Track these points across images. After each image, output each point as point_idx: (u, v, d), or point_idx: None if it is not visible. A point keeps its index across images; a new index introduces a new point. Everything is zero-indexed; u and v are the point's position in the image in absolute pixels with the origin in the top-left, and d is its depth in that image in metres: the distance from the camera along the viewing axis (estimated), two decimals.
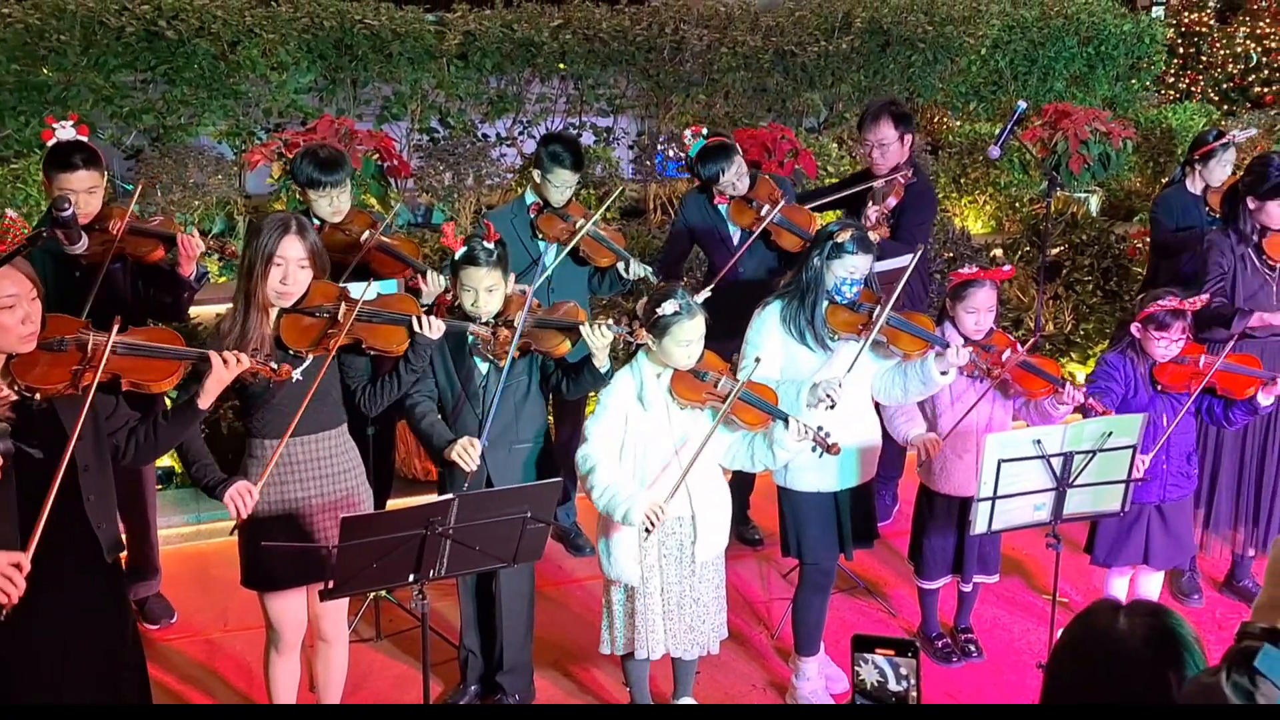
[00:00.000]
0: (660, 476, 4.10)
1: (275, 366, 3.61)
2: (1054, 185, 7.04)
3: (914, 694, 2.16)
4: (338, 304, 3.88)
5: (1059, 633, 2.13)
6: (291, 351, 3.82)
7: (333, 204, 4.83)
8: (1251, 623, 1.72)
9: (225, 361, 3.51)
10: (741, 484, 5.85)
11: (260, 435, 3.87)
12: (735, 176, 5.39)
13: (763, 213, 5.36)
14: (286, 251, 3.76)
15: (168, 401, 4.32)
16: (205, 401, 3.55)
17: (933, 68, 10.17)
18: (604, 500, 4.03)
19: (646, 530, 3.98)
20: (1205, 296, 4.75)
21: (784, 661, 4.92)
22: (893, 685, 2.19)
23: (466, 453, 4.03)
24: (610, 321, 4.16)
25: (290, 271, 3.77)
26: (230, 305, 3.90)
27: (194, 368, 3.58)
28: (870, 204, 5.59)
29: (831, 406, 4.20)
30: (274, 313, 3.85)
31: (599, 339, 4.08)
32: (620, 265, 5.19)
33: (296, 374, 3.72)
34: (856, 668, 2.18)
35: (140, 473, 4.98)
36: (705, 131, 5.52)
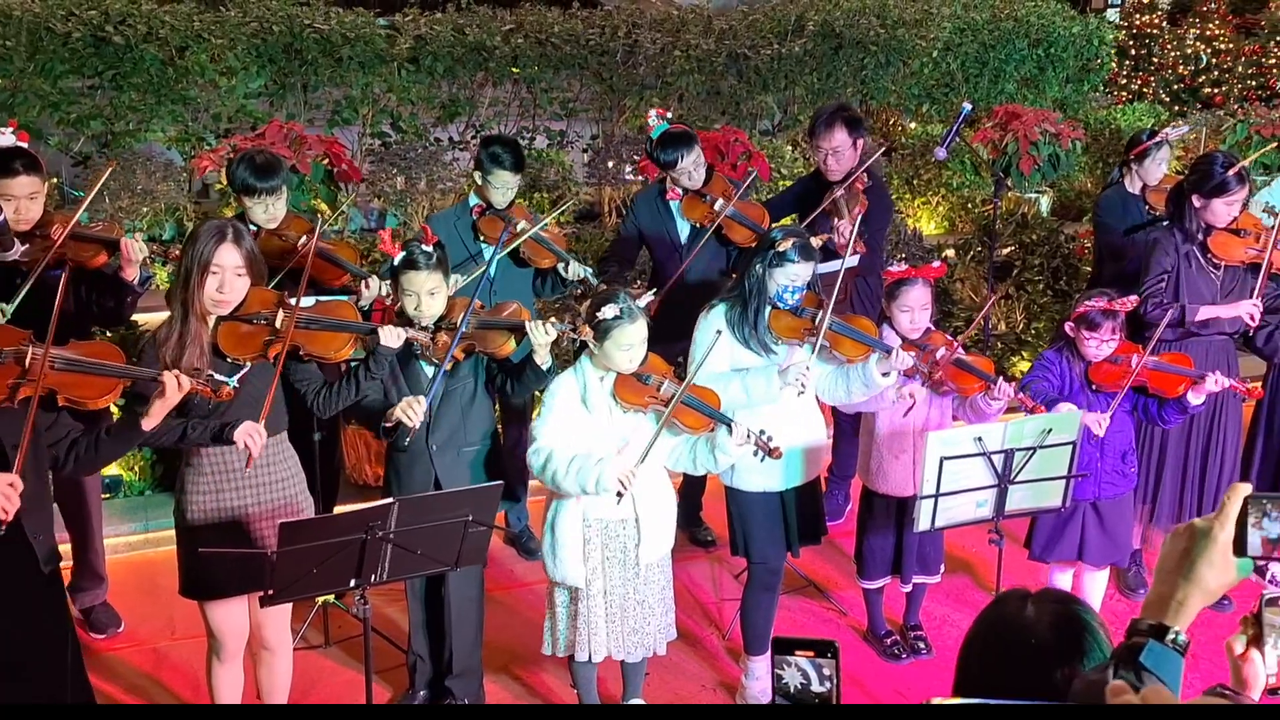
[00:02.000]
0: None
1: (216, 385, 3.57)
2: (1002, 187, 7.11)
3: (836, 694, 2.17)
4: (276, 311, 3.86)
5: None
6: (230, 360, 3.80)
7: (268, 210, 4.79)
8: (1140, 619, 1.75)
9: (169, 385, 3.47)
10: (693, 486, 5.87)
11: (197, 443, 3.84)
12: (693, 165, 5.41)
13: (716, 206, 5.39)
14: (223, 259, 3.74)
15: (116, 411, 4.29)
16: (149, 423, 3.52)
17: (885, 70, 10.25)
18: (572, 478, 3.99)
19: (619, 495, 3.97)
20: (1135, 298, 4.80)
21: (734, 662, 4.94)
22: (816, 686, 2.19)
23: (410, 409, 4.00)
24: (554, 319, 4.17)
25: (227, 279, 3.75)
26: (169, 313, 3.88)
27: (135, 384, 3.55)
28: (836, 218, 5.59)
29: (802, 390, 4.26)
30: (212, 320, 3.82)
31: (542, 336, 4.09)
32: (560, 266, 5.19)
33: (233, 382, 3.70)
34: (778, 671, 2.17)
35: (84, 482, 4.93)
36: (670, 115, 5.54)
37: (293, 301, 3.88)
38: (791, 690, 2.15)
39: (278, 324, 3.83)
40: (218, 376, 3.59)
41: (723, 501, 4.72)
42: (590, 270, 5.29)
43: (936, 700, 1.44)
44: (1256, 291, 5.08)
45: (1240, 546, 1.75)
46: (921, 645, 5.03)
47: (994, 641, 2.02)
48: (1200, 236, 5.17)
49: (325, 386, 4.03)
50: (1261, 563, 1.76)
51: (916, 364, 4.53)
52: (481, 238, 5.24)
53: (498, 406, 5.44)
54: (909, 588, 4.99)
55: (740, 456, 4.13)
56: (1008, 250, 8.34)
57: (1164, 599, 1.75)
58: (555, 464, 4.02)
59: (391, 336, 3.99)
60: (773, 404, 4.32)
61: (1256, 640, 1.97)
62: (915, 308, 4.66)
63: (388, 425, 4.07)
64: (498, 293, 5.09)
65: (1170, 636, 1.71)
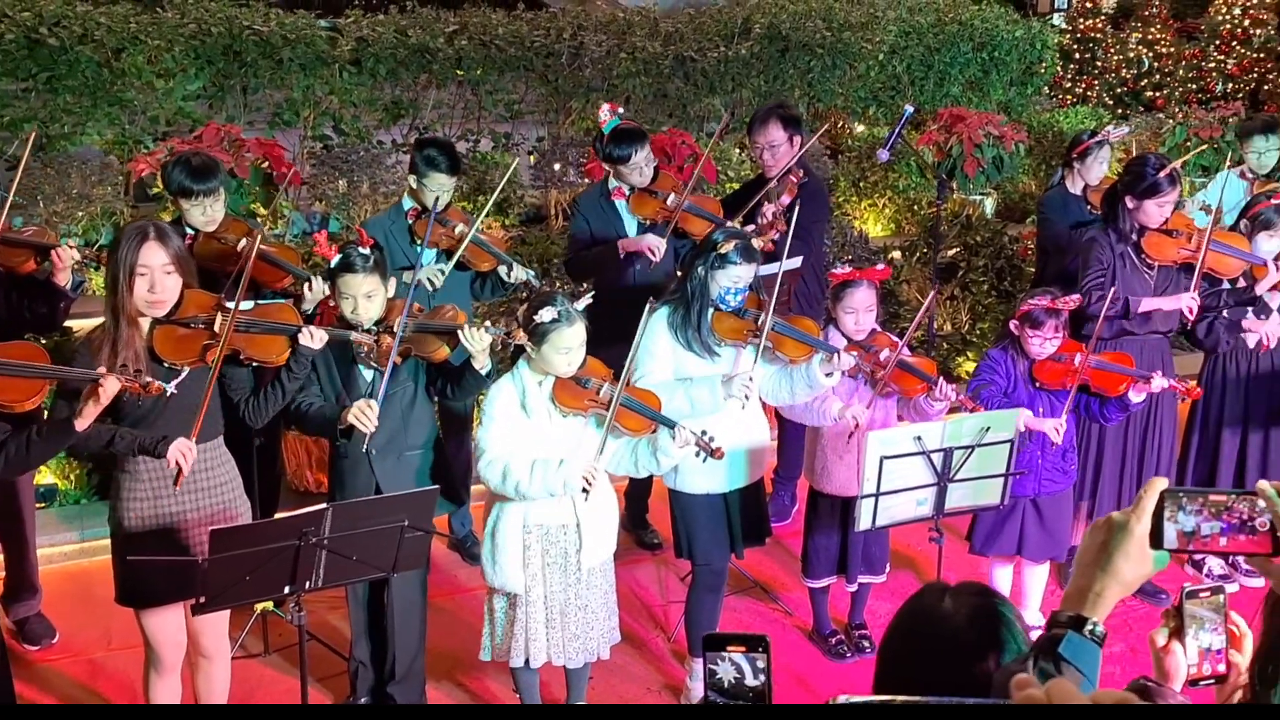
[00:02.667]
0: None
1: (145, 382, 3.52)
2: (945, 189, 7.15)
3: (769, 688, 2.17)
4: (213, 314, 3.80)
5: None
6: (167, 364, 3.74)
7: (206, 213, 4.74)
8: (1060, 611, 1.76)
9: (101, 385, 3.44)
10: (639, 488, 5.85)
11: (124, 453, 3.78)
12: (644, 161, 5.39)
13: (670, 202, 5.37)
14: (149, 259, 3.68)
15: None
16: (82, 424, 3.48)
17: (832, 73, 10.28)
18: (538, 484, 3.96)
19: (585, 491, 3.96)
20: (1079, 296, 4.85)
21: (679, 664, 4.93)
22: (750, 680, 2.19)
23: (364, 413, 3.96)
24: (489, 324, 4.14)
25: (157, 279, 3.69)
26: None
27: (64, 385, 3.50)
28: (766, 203, 5.62)
29: (746, 400, 4.25)
30: (146, 324, 3.76)
31: (477, 341, 4.05)
32: (502, 269, 5.15)
33: (170, 387, 3.64)
34: (711, 667, 2.17)
35: (17, 491, 4.85)
36: (621, 110, 5.53)
37: (230, 304, 3.83)
38: (726, 685, 2.15)
39: (216, 327, 3.78)
40: (146, 376, 3.54)
41: (668, 504, 4.71)
42: (533, 273, 5.25)
43: (842, 699, 1.42)
44: (1193, 287, 5.14)
45: (1157, 539, 1.76)
46: (866, 644, 5.04)
47: (912, 634, 2.03)
48: (1134, 237, 5.23)
49: (253, 394, 3.98)
50: (1199, 556, 1.78)
51: (859, 364, 4.55)
52: (418, 241, 5.19)
53: (437, 412, 5.41)
54: (854, 587, 5.01)
55: (682, 458, 4.12)
56: (953, 251, 8.39)
57: (1082, 591, 1.76)
58: (516, 474, 3.99)
59: (311, 338, 3.95)
60: (716, 414, 4.31)
61: (1178, 633, 1.99)
62: (860, 309, 4.67)
63: (342, 429, 4.03)
64: (437, 296, 5.05)
65: (1088, 628, 1.72)
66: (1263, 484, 1.72)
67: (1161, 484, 1.77)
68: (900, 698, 1.35)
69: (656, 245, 5.25)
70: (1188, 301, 5.10)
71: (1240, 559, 4.93)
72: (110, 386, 3.45)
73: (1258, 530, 1.73)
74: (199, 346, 3.77)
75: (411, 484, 4.20)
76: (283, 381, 3.98)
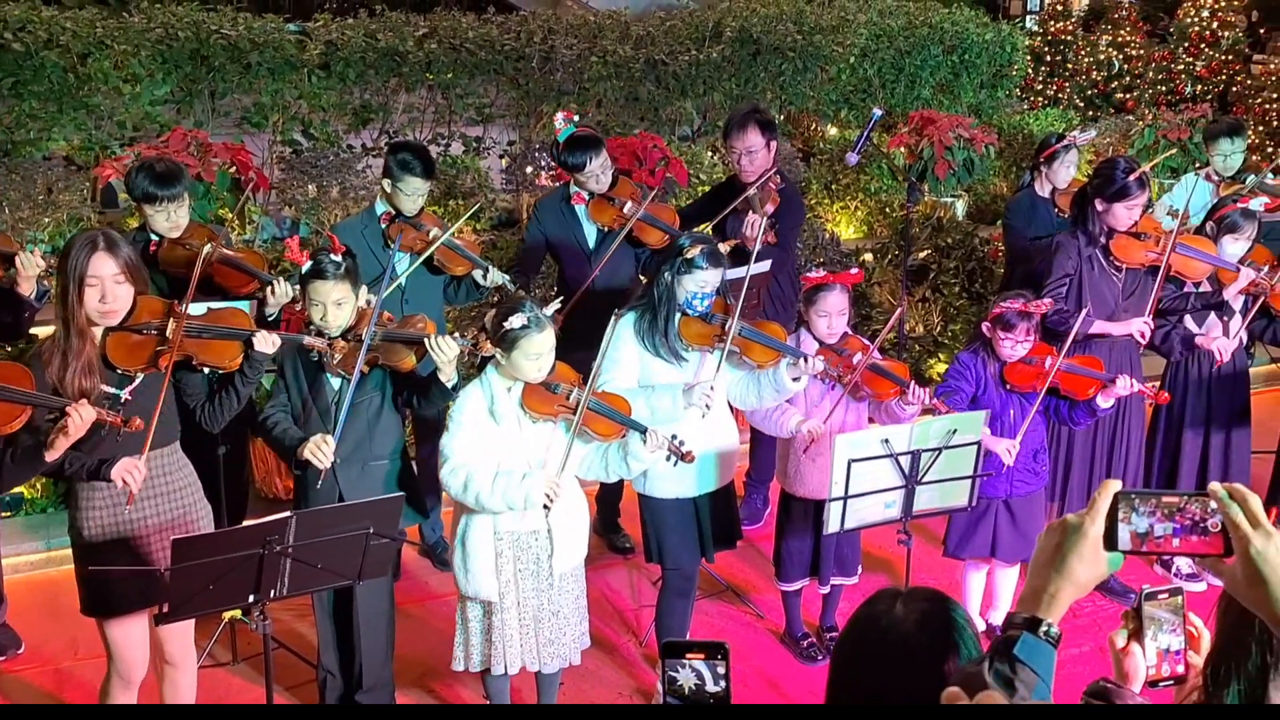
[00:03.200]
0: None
1: (126, 418, 3.51)
2: (915, 191, 7.17)
3: (729, 694, 2.18)
4: (165, 320, 3.77)
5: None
6: (120, 371, 3.71)
7: (170, 219, 4.70)
8: (1015, 613, 1.76)
9: (73, 419, 3.42)
10: (611, 493, 5.84)
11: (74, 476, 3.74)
12: (600, 168, 5.39)
13: (626, 209, 5.37)
14: (99, 270, 3.64)
15: None
16: (52, 455, 3.49)
17: (803, 76, 10.31)
18: (498, 496, 3.94)
19: (546, 507, 3.94)
20: (1050, 300, 4.87)
21: (651, 669, 4.92)
22: (710, 687, 2.20)
23: (320, 450, 3.94)
24: (456, 334, 4.11)
25: (108, 289, 3.66)
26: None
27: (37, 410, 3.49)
28: (750, 212, 5.61)
29: (707, 409, 4.24)
30: (98, 333, 3.73)
31: (444, 353, 4.02)
32: (478, 273, 5.13)
33: (125, 393, 3.60)
34: (671, 674, 2.17)
35: None
36: (577, 119, 5.52)
37: (183, 309, 3.80)
38: (686, 692, 2.15)
39: (168, 333, 3.74)
40: (112, 391, 3.51)
41: (639, 508, 4.70)
42: (508, 278, 5.23)
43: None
44: (1155, 289, 5.17)
45: (1110, 541, 1.77)
46: None
47: (863, 640, 2.03)
48: (1103, 240, 5.25)
49: (208, 399, 3.96)
50: (1168, 556, 1.78)
51: (827, 368, 4.54)
52: (391, 245, 5.17)
53: (409, 419, 5.38)
54: (827, 589, 5.01)
55: (653, 462, 4.11)
56: (924, 254, 8.42)
57: (1037, 593, 1.77)
58: (478, 485, 3.96)
59: (266, 342, 3.92)
60: (678, 422, 4.29)
61: (1137, 634, 1.99)
62: (833, 313, 4.68)
63: (299, 460, 4.01)
64: (409, 301, 5.03)
65: (1043, 629, 1.72)
66: (1214, 486, 1.73)
67: (1115, 486, 1.77)
68: None
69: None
70: (1139, 326, 5.13)
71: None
72: (86, 416, 3.43)
73: (1210, 531, 1.73)
74: (151, 352, 3.75)
75: (377, 494, 4.15)
76: (236, 386, 3.96)
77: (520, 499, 3.92)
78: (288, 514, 3.38)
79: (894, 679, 1.95)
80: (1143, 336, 5.16)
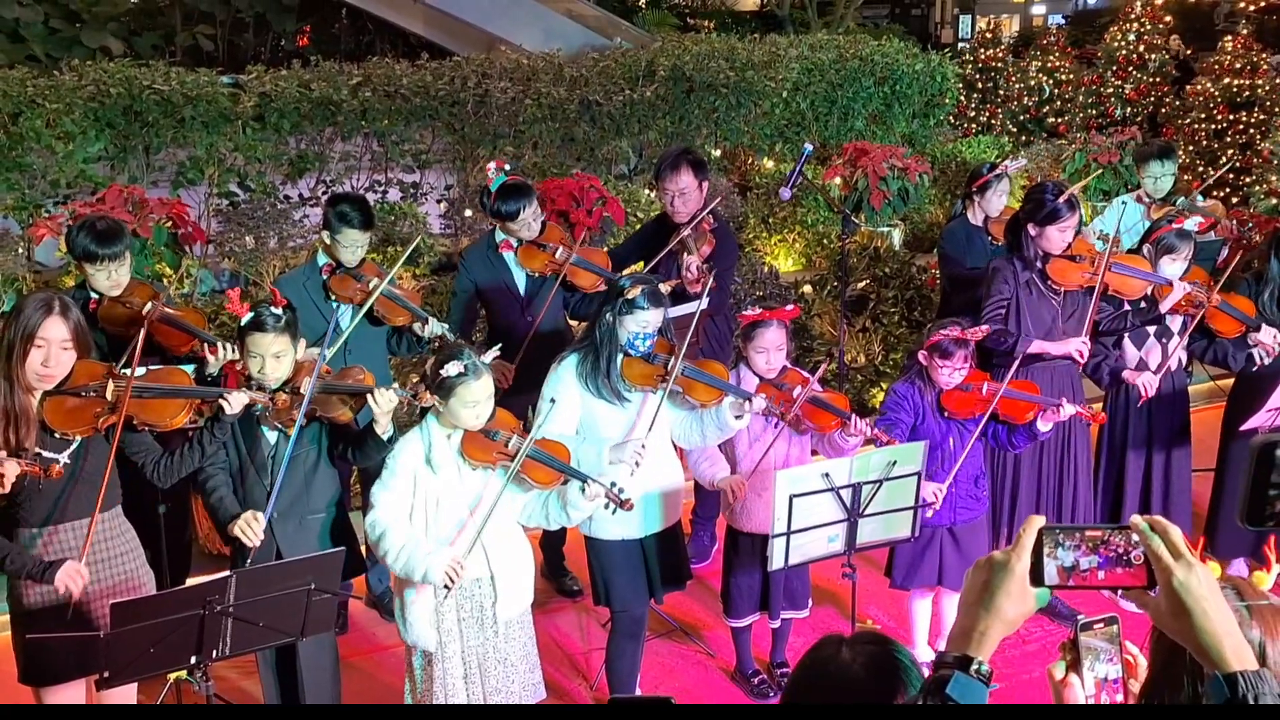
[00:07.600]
0: (456, 538, 4.04)
1: (45, 464, 3.47)
2: (849, 223, 7.24)
3: None
4: (105, 382, 3.74)
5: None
6: (58, 435, 3.67)
7: (111, 277, 4.67)
8: (946, 652, 1.78)
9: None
10: (554, 536, 5.82)
11: (26, 524, 3.70)
12: (532, 216, 5.41)
13: (558, 255, 5.39)
14: (49, 333, 3.62)
15: None
16: None
17: (737, 111, 10.42)
18: (400, 563, 3.94)
19: (446, 588, 3.92)
20: (986, 327, 4.93)
21: None
22: None
23: (249, 527, 3.92)
24: (397, 385, 4.10)
25: (52, 353, 3.63)
26: None
27: None
28: (686, 255, 5.64)
29: (636, 468, 4.24)
30: (38, 394, 3.69)
31: (381, 405, 4.02)
32: (416, 325, 5.12)
33: (64, 458, 3.57)
34: None
35: None
36: (508, 168, 5.54)
37: (125, 372, 3.77)
38: None
39: (109, 395, 3.71)
40: (46, 454, 3.47)
41: (585, 550, 4.69)
42: (447, 327, 5.22)
43: None
44: (1091, 310, 5.25)
45: (1037, 576, 1.79)
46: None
47: (813, 689, 2.04)
48: (1039, 264, 5.32)
49: (166, 455, 3.92)
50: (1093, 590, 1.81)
51: (769, 406, 4.57)
52: (333, 297, 5.15)
53: (355, 469, 5.34)
54: (777, 623, 5.01)
55: (591, 510, 4.11)
56: (862, 284, 8.51)
57: (967, 631, 1.78)
58: (387, 544, 3.95)
59: (234, 404, 3.90)
60: (602, 475, 4.29)
61: (1075, 665, 2.01)
62: (771, 349, 4.71)
63: (230, 536, 3.99)
64: (352, 352, 5.01)
65: (974, 667, 1.74)
66: (1135, 518, 1.76)
67: (1039, 521, 1.80)
68: None
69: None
70: (1076, 346, 5.21)
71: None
72: (10, 471, 3.39)
73: (1133, 563, 1.77)
74: (91, 415, 3.71)
75: (314, 548, 4.14)
76: (203, 444, 3.94)
77: (419, 573, 3.91)
78: (228, 573, 3.36)
79: None
80: (1080, 355, 5.23)
